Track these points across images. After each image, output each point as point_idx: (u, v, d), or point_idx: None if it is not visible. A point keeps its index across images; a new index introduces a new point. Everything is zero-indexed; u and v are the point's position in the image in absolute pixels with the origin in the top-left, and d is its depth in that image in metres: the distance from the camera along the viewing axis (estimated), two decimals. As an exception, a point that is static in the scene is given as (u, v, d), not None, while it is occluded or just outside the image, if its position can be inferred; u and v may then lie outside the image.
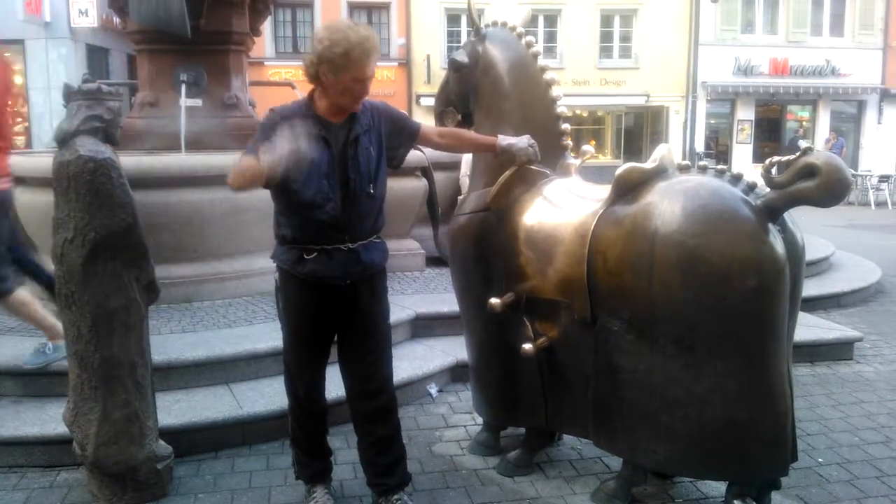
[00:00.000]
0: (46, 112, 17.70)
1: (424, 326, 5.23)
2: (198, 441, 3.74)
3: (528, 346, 3.29)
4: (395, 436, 3.19)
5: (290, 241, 2.97)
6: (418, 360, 4.74)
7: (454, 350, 4.80)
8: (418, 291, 5.96)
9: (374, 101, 3.12)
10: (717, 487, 3.29)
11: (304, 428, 3.22)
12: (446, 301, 5.17)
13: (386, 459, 3.17)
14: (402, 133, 3.15)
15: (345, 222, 2.92)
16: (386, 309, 3.19)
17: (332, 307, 3.03)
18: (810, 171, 2.65)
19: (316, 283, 2.96)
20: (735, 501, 3.00)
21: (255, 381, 4.18)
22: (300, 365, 3.13)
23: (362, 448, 3.21)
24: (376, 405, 3.14)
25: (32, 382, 4.02)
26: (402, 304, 5.36)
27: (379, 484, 3.18)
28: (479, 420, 3.95)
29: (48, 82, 17.64)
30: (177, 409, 3.84)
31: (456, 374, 4.78)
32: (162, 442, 3.39)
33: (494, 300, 3.33)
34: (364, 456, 3.22)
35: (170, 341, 4.39)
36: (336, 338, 3.16)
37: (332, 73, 2.84)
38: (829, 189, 2.63)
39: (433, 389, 4.62)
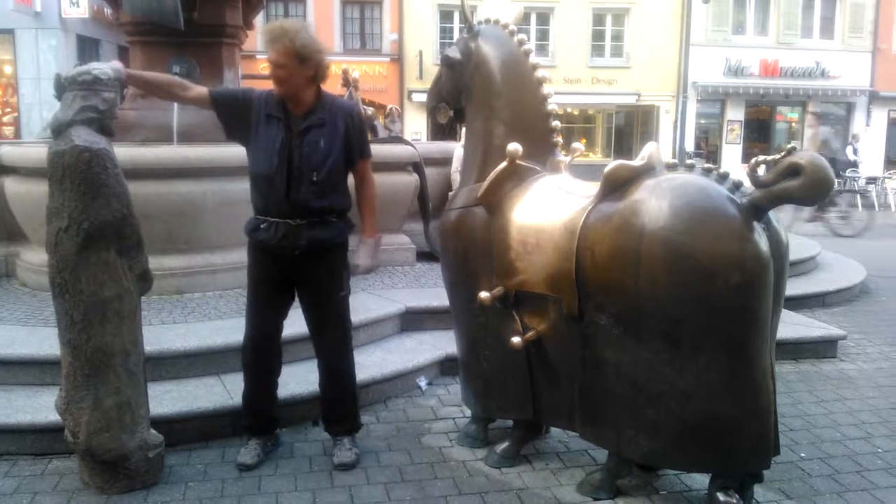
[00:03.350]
0: (36, 102, 17.60)
1: (414, 320, 5.27)
2: (189, 430, 3.76)
3: (516, 340, 3.33)
4: (341, 393, 3.66)
5: (255, 210, 3.46)
6: (408, 354, 4.77)
7: (444, 344, 4.84)
8: (409, 286, 6.00)
9: (344, 104, 3.51)
10: (701, 480, 3.35)
11: (249, 365, 3.60)
12: (436, 295, 5.21)
13: (333, 413, 3.69)
14: (352, 149, 3.46)
15: (290, 200, 3.31)
16: (340, 282, 3.53)
17: (284, 272, 3.46)
18: (794, 171, 2.70)
19: (266, 250, 3.43)
20: (718, 494, 3.05)
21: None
22: (252, 312, 3.57)
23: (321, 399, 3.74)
24: (327, 364, 3.62)
25: (24, 370, 4.04)
26: (393, 298, 5.41)
27: (329, 428, 3.72)
28: (468, 412, 3.99)
29: (38, 73, 17.54)
30: (168, 398, 3.86)
31: (445, 367, 4.82)
32: (153, 431, 3.41)
33: (484, 294, 3.38)
34: (321, 405, 3.74)
35: (161, 332, 4.41)
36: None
37: None
38: (813, 188, 2.68)
39: (422, 382, 4.66)
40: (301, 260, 3.41)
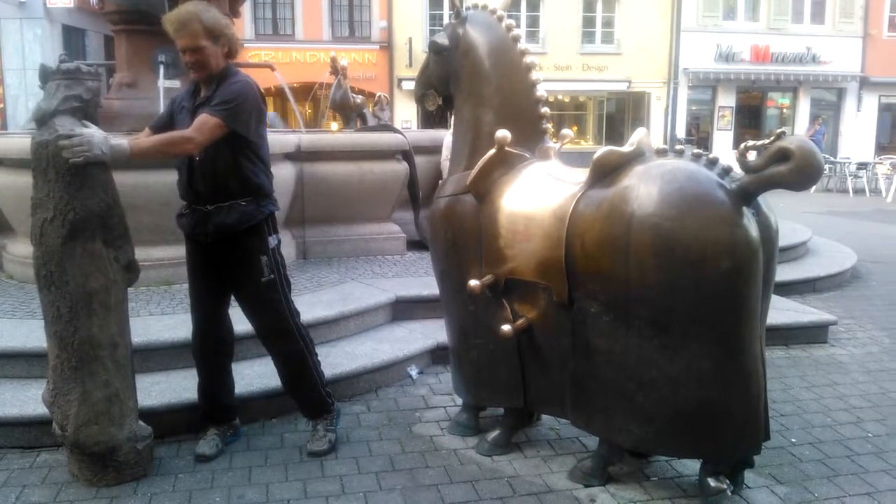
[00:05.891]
0: (22, 93, 17.47)
1: (405, 309, 5.26)
2: (178, 422, 3.74)
3: (506, 328, 3.32)
4: (293, 377, 3.64)
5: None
6: (399, 343, 4.76)
7: (434, 333, 4.83)
8: (399, 275, 5.99)
9: (237, 77, 3.35)
10: (692, 466, 3.35)
11: (197, 354, 3.62)
12: (427, 284, 5.20)
13: (295, 398, 3.70)
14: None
15: (196, 186, 3.33)
16: (258, 268, 3.42)
17: (206, 260, 3.46)
18: (784, 156, 2.69)
19: (187, 237, 3.49)
20: (709, 479, 3.06)
21: (234, 363, 4.15)
22: (192, 303, 3.61)
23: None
24: (271, 348, 3.61)
25: (11, 363, 4.01)
26: (383, 287, 5.39)
27: (302, 413, 3.76)
28: (459, 401, 3.99)
29: (23, 63, 17.40)
30: (157, 390, 3.85)
31: (436, 356, 4.82)
32: (142, 423, 3.39)
33: (474, 282, 3.36)
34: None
35: (149, 323, 4.39)
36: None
37: None
38: (802, 172, 2.67)
39: (413, 371, 4.66)
40: (215, 248, 3.40)
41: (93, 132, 3.01)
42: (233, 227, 3.34)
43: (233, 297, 3.61)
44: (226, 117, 3.19)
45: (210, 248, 3.41)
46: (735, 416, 2.94)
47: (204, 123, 3.17)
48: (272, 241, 3.47)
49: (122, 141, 3.10)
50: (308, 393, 3.65)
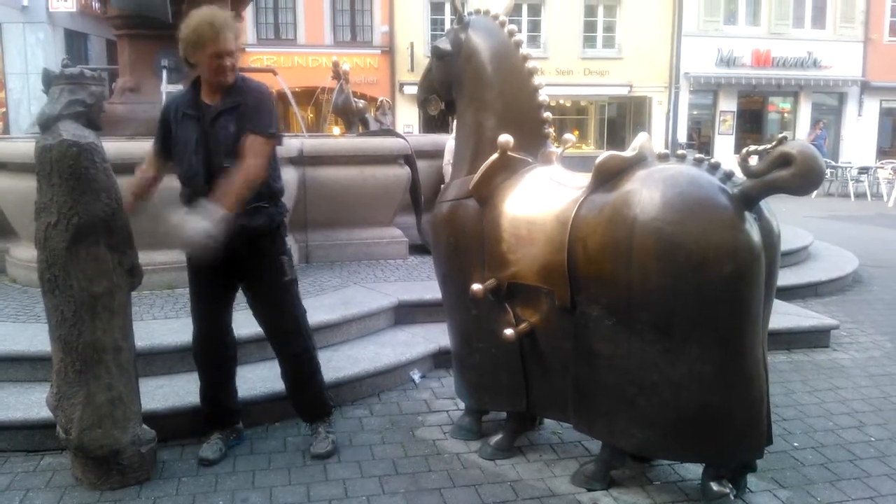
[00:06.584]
0: (24, 98, 17.51)
1: (407, 313, 5.26)
2: (181, 426, 3.75)
3: (509, 332, 3.32)
4: (301, 378, 3.64)
5: (185, 202, 3.34)
6: (401, 347, 4.77)
7: (437, 337, 4.83)
8: (401, 279, 6.00)
9: (255, 85, 3.36)
10: (694, 470, 3.35)
11: (200, 358, 3.61)
12: (429, 288, 5.20)
13: (300, 399, 3.70)
14: (245, 123, 3.26)
15: (213, 192, 3.20)
16: (280, 268, 3.47)
17: (220, 263, 3.32)
18: (785, 160, 2.70)
19: None
20: (711, 484, 3.07)
21: (238, 367, 4.18)
22: (196, 306, 3.59)
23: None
24: (280, 349, 3.62)
25: (15, 367, 4.02)
26: (385, 292, 5.40)
27: (302, 417, 3.77)
28: (462, 405, 3.99)
29: (26, 67, 17.42)
30: (160, 394, 3.85)
31: (438, 360, 4.82)
32: (145, 426, 3.39)
33: (476, 286, 3.37)
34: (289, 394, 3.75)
35: (153, 327, 4.40)
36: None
37: (194, 52, 3.19)
38: (804, 177, 2.68)
39: (416, 375, 4.66)
40: (235, 250, 3.32)
41: (194, 220, 2.98)
42: (258, 229, 3.36)
43: (233, 302, 3.60)
44: (273, 132, 3.28)
45: (227, 252, 3.28)
46: (737, 420, 2.95)
47: (260, 146, 3.22)
48: (289, 241, 3.52)
49: (219, 209, 3.05)
50: (314, 393, 3.67)
